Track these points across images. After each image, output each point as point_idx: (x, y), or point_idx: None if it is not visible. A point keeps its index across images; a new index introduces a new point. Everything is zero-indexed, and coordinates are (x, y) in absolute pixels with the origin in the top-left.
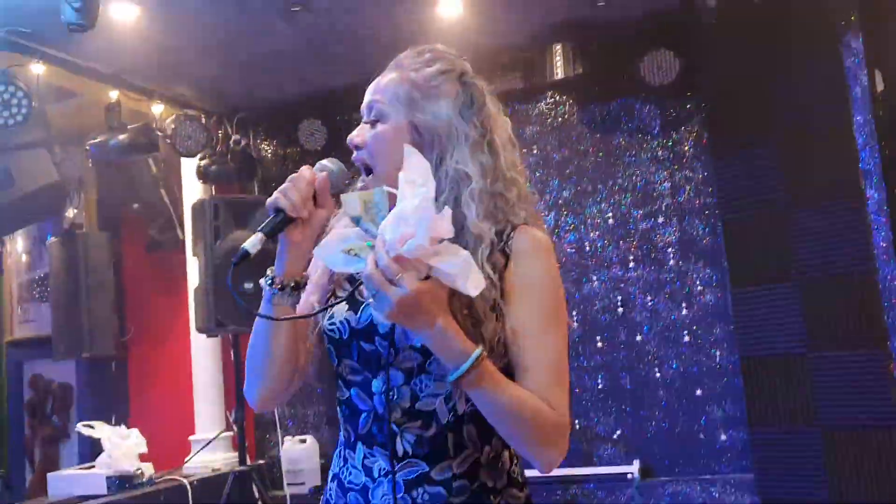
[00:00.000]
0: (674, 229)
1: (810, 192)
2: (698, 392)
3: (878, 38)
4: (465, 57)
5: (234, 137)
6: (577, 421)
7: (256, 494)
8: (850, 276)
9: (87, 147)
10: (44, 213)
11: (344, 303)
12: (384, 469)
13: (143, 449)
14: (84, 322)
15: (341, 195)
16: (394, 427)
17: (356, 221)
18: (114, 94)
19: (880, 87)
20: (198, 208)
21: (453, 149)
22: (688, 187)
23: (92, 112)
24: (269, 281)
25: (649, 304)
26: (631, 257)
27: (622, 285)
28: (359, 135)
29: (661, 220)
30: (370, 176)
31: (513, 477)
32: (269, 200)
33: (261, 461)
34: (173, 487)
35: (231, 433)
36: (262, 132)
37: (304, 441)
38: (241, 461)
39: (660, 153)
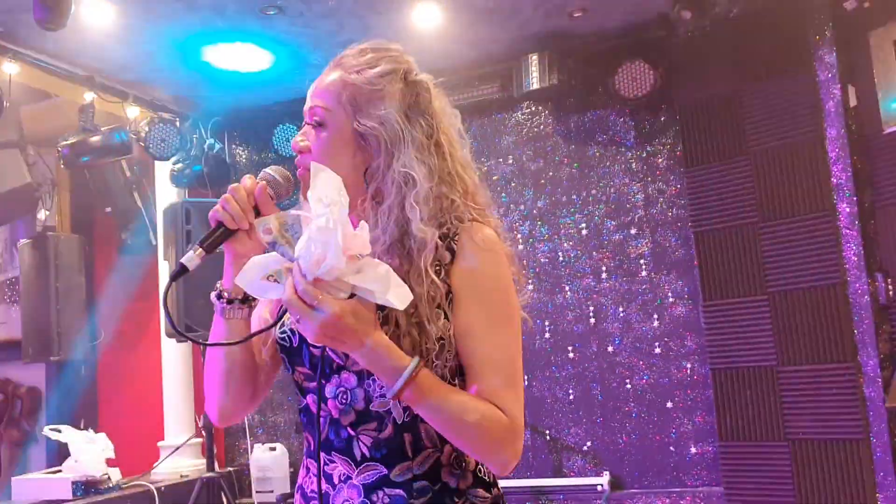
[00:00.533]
0: (646, 241)
1: (782, 206)
2: (668, 404)
3: (851, 53)
4: (409, 53)
5: (208, 141)
6: (547, 432)
7: (225, 502)
8: (820, 290)
9: (59, 148)
10: (16, 215)
11: None
12: (344, 474)
13: (111, 454)
14: (54, 325)
15: (255, 219)
16: (350, 430)
17: (272, 245)
18: (88, 96)
19: (853, 101)
20: (169, 212)
21: (399, 153)
22: (661, 199)
23: (66, 113)
24: (218, 295)
25: (621, 314)
26: (604, 268)
27: (594, 296)
28: (303, 139)
29: (633, 231)
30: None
31: (479, 476)
32: (210, 212)
33: (230, 468)
34: (140, 493)
35: (200, 440)
36: (236, 136)
37: (273, 449)
38: (210, 468)
39: (633, 165)
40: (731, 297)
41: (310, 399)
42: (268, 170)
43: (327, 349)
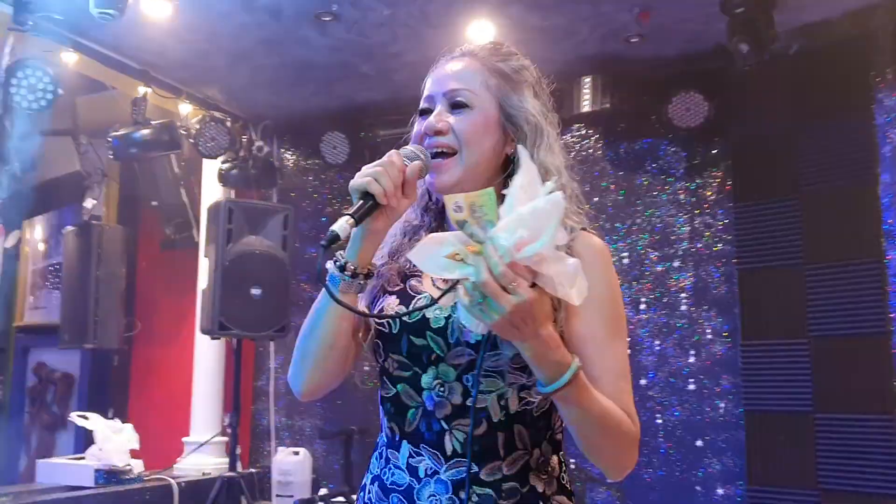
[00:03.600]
0: (689, 275)
1: (830, 249)
2: (699, 443)
3: None
4: None
5: (257, 144)
6: (573, 461)
7: (244, 502)
8: (863, 338)
9: (109, 139)
10: (63, 202)
11: (395, 297)
12: (431, 469)
13: (135, 445)
14: (91, 313)
15: (445, 195)
16: (443, 424)
17: (460, 225)
18: (142, 90)
19: None
20: (213, 210)
21: (540, 143)
22: (707, 233)
23: (120, 105)
24: (341, 266)
25: (657, 348)
26: (643, 299)
27: (631, 327)
28: (441, 120)
29: (676, 264)
30: (453, 157)
31: (562, 484)
32: (355, 183)
33: (252, 469)
34: (160, 487)
35: (225, 438)
36: (285, 141)
37: (297, 453)
38: (232, 467)
39: (681, 196)
40: (770, 337)
41: (400, 389)
42: (410, 148)
43: (429, 339)
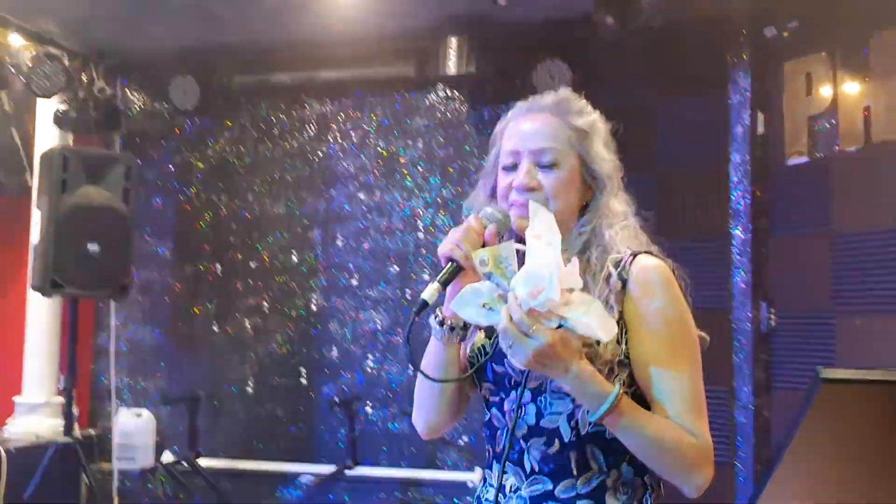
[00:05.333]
0: None
1: (680, 225)
2: None
3: (765, 80)
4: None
5: (98, 85)
6: None
7: (82, 466)
8: (706, 313)
9: None
10: None
11: (481, 330)
12: (515, 485)
13: None
14: None
15: (473, 252)
16: (522, 443)
17: (488, 276)
18: None
19: (761, 129)
20: (46, 158)
21: (612, 190)
22: None
23: None
24: (440, 321)
25: None
26: None
27: None
28: (532, 178)
29: None
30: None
31: None
32: (442, 250)
33: (91, 430)
34: None
35: (61, 399)
36: (130, 83)
37: (139, 415)
38: (68, 430)
39: None
40: None
41: (493, 412)
42: (491, 210)
43: (507, 366)
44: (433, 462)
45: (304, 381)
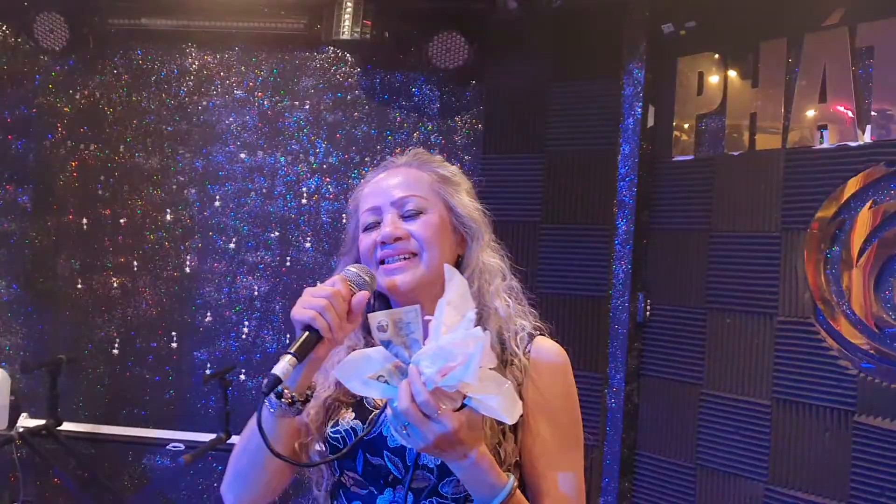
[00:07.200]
0: None
1: (567, 211)
2: None
3: (659, 73)
4: None
5: None
6: None
7: None
8: (586, 300)
9: None
10: None
11: (351, 409)
12: None
13: None
14: None
15: (368, 314)
16: None
17: (385, 344)
18: None
19: (651, 122)
20: None
21: (482, 244)
22: None
23: None
24: (279, 394)
25: None
26: None
27: None
28: (399, 228)
29: None
30: (414, 259)
31: None
32: (297, 315)
33: None
34: None
35: None
36: None
37: None
38: None
39: (433, 138)
40: None
41: None
42: (354, 270)
43: (387, 459)
44: None
45: (174, 345)
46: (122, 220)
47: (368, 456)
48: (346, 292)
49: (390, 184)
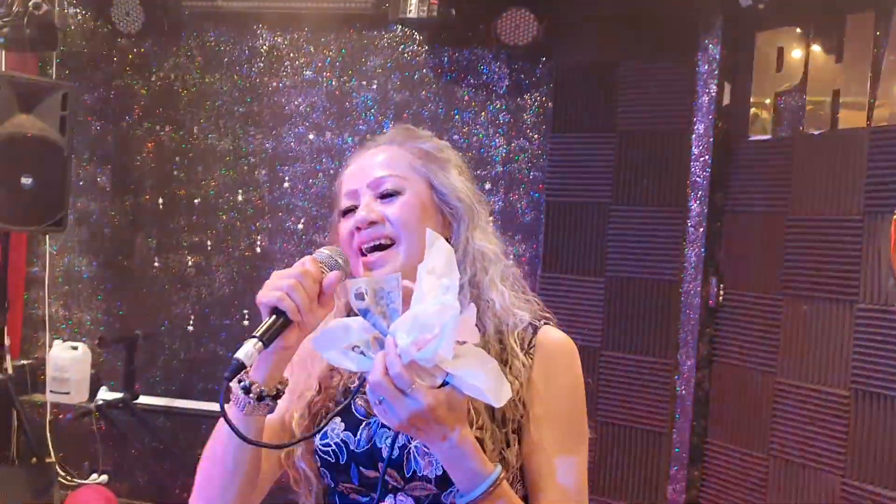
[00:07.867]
0: (499, 199)
1: (638, 192)
2: None
3: (736, 51)
4: None
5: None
6: None
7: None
8: (656, 284)
9: None
10: None
11: (339, 420)
12: None
13: None
14: None
15: (347, 280)
16: None
17: (363, 313)
18: None
19: (727, 100)
20: None
21: (475, 225)
22: (521, 156)
23: None
24: (245, 387)
25: None
26: None
27: None
28: (373, 211)
29: (488, 186)
30: (392, 249)
31: None
32: (264, 298)
33: (24, 361)
34: None
35: None
36: (69, 1)
37: (75, 348)
38: None
39: (501, 116)
40: (569, 272)
41: None
42: (328, 252)
43: (381, 471)
44: None
45: (246, 322)
46: (196, 201)
47: (363, 469)
48: (317, 273)
49: (367, 164)
